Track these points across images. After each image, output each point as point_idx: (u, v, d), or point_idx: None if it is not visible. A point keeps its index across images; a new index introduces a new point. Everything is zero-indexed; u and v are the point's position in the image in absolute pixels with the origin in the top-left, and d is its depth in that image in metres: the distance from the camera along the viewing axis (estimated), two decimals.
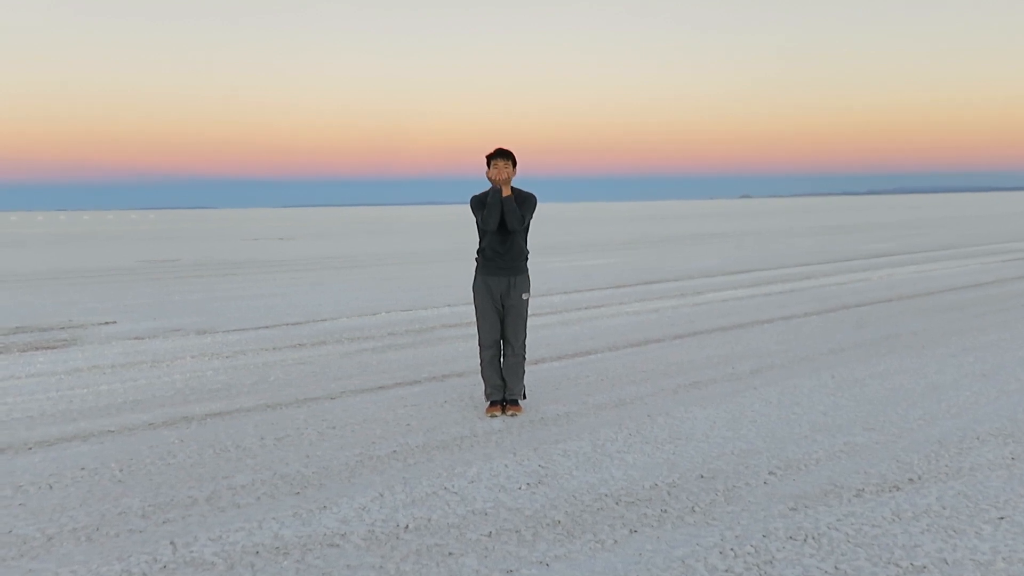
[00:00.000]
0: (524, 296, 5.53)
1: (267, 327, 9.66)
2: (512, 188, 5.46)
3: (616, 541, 3.48)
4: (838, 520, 3.65)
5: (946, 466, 4.36)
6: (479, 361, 5.67)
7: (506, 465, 4.49)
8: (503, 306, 5.51)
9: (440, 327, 9.41)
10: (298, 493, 4.11)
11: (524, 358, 5.59)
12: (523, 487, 4.15)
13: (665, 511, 3.80)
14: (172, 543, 3.52)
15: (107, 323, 10.23)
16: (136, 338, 9.03)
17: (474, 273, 5.60)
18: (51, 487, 4.25)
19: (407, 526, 3.67)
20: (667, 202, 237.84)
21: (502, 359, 5.61)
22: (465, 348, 7.99)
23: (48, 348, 8.48)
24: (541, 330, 8.86)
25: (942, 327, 8.75)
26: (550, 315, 10.12)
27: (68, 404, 6.02)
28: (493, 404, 5.53)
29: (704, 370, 6.82)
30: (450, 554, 3.39)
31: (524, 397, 5.70)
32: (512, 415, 5.48)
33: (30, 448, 4.93)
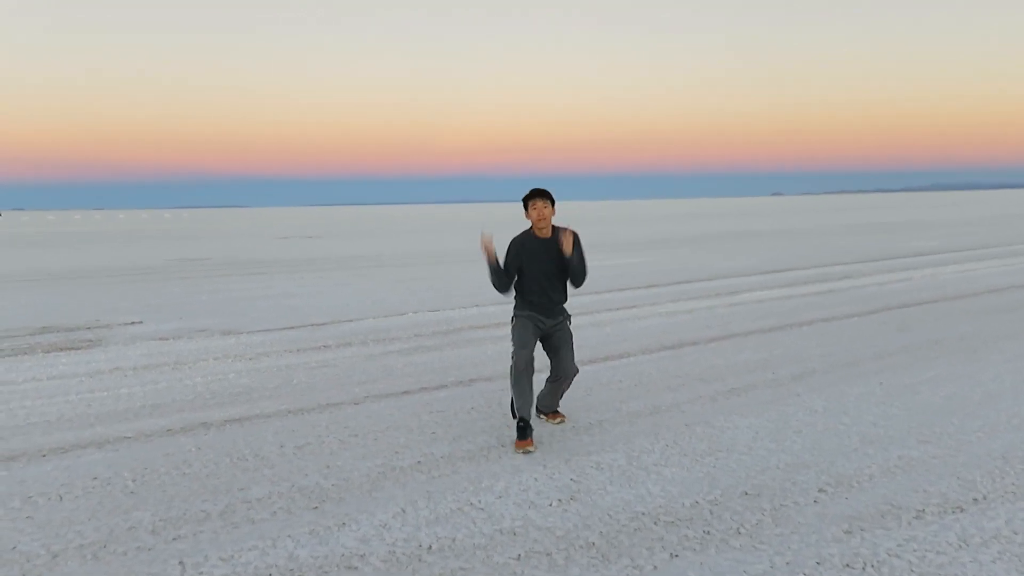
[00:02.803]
0: (568, 324, 5.10)
1: (292, 328, 9.50)
2: (554, 227, 5.00)
3: (656, 567, 3.21)
4: (899, 546, 3.34)
5: (1012, 484, 4.02)
6: (510, 367, 4.96)
7: (536, 479, 4.23)
8: (549, 336, 5.04)
9: (468, 328, 9.18)
10: (316, 508, 3.89)
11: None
12: (554, 503, 3.89)
13: (708, 532, 3.52)
14: (181, 563, 3.32)
15: (133, 323, 10.14)
16: (161, 339, 8.91)
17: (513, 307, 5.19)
18: (61, 498, 4.08)
19: (430, 547, 3.43)
20: (697, 200, 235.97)
21: (552, 382, 5.15)
22: (493, 351, 7.74)
23: (72, 349, 8.38)
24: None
25: (992, 330, 8.33)
26: (581, 316, 9.83)
27: (87, 408, 5.88)
28: (524, 437, 4.78)
29: (743, 375, 6.50)
30: None
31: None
32: (559, 423, 5.22)
33: (44, 455, 4.78)
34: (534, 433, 4.96)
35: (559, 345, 5.05)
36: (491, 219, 58.71)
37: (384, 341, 8.45)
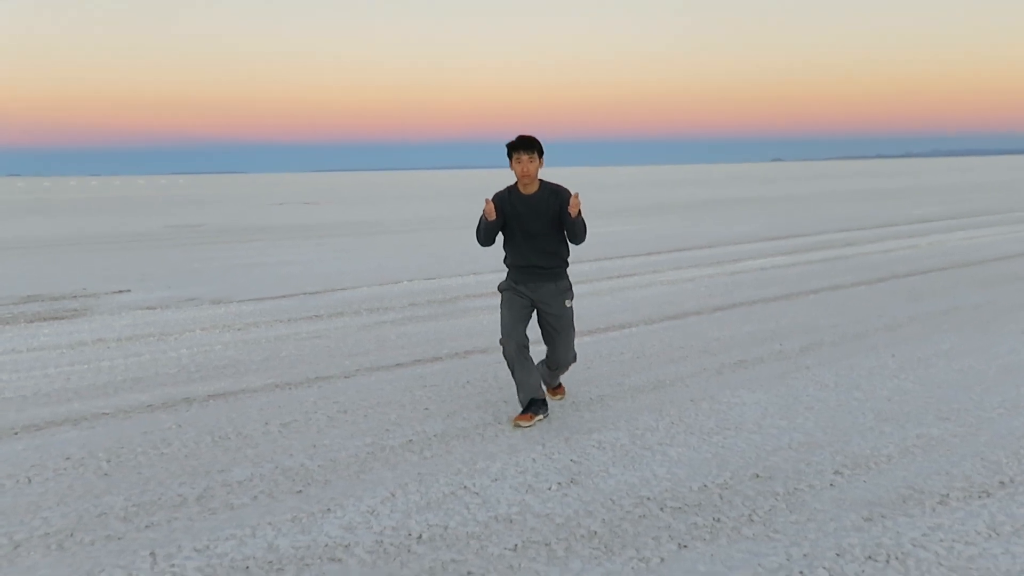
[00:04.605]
0: (568, 303, 4.58)
1: (284, 296, 9.23)
2: (542, 181, 4.46)
3: (663, 559, 2.98)
4: (923, 535, 3.11)
5: None
6: (503, 353, 4.50)
7: (534, 459, 4.00)
8: (543, 314, 4.57)
9: (464, 297, 8.92)
10: (300, 492, 3.65)
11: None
12: (553, 487, 3.66)
13: (718, 520, 3.29)
14: (152, 554, 3.08)
15: (121, 292, 9.87)
16: (148, 308, 8.64)
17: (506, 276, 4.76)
18: (30, 480, 3.84)
19: (420, 536, 3.20)
20: (695, 166, 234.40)
21: (547, 367, 4.77)
22: (490, 321, 7.49)
23: (56, 319, 8.12)
24: None
25: (1005, 300, 8.08)
26: (579, 285, 9.55)
27: (65, 382, 5.63)
28: (524, 411, 4.51)
29: (749, 347, 6.25)
30: (468, 573, 2.91)
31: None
32: (559, 399, 4.96)
33: (16, 433, 4.53)
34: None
35: (554, 332, 4.58)
36: (487, 186, 58.19)
37: (378, 311, 8.19)
